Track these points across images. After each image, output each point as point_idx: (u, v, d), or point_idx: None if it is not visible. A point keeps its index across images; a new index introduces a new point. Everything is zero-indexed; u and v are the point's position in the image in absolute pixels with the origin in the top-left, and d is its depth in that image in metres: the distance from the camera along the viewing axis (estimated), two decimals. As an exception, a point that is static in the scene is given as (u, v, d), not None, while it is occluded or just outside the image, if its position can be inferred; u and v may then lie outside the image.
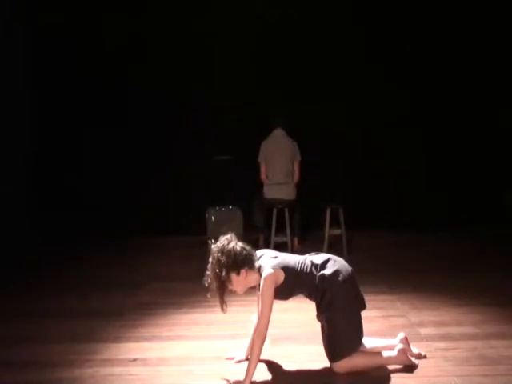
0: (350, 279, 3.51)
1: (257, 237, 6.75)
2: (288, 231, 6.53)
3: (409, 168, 7.80)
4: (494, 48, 7.61)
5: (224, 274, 3.34)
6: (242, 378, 3.32)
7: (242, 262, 3.38)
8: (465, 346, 3.86)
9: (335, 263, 3.52)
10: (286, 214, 6.52)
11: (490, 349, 3.80)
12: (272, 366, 3.63)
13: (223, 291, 3.41)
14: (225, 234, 3.52)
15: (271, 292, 3.37)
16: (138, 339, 4.18)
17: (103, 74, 7.67)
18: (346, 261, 3.64)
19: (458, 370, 3.50)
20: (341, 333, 3.43)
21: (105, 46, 7.68)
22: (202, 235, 6.68)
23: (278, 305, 4.02)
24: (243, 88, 7.50)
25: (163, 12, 7.69)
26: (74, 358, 3.85)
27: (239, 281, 3.40)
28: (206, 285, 3.41)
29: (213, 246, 3.45)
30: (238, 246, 3.43)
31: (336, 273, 3.46)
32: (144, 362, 3.78)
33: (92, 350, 3.99)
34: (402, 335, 3.65)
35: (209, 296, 3.48)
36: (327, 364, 3.54)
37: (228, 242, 3.43)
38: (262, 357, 3.55)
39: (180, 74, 7.69)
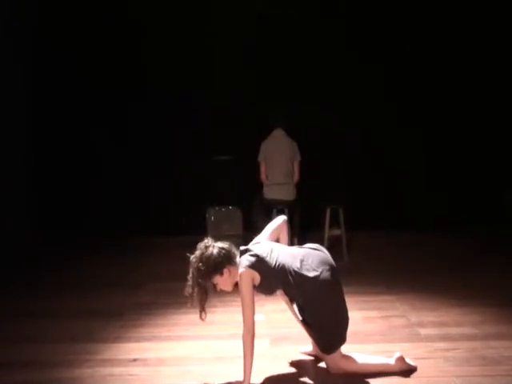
0: (330, 285, 3.41)
1: (257, 237, 6.75)
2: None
3: (409, 168, 7.79)
4: (494, 48, 7.61)
5: (204, 281, 3.34)
6: (241, 378, 3.30)
7: (222, 263, 3.38)
8: (464, 346, 3.85)
9: (316, 269, 3.40)
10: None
11: (489, 349, 3.80)
12: (272, 367, 3.62)
13: (205, 301, 3.40)
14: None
15: (249, 289, 3.33)
16: (137, 339, 4.18)
17: (103, 73, 7.67)
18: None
19: (458, 370, 3.50)
20: (323, 326, 3.41)
21: (105, 46, 7.69)
22: (202, 235, 6.67)
23: (278, 305, 4.05)
24: (243, 88, 7.50)
25: (163, 12, 7.68)
26: (74, 357, 3.86)
27: (225, 280, 3.41)
28: (187, 295, 3.38)
29: (191, 257, 3.43)
30: (216, 248, 3.43)
31: (313, 279, 3.37)
32: (144, 362, 3.78)
33: (92, 349, 4.00)
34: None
35: (189, 306, 3.44)
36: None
37: (205, 247, 3.43)
38: (261, 357, 3.56)
39: (180, 74, 7.68)
